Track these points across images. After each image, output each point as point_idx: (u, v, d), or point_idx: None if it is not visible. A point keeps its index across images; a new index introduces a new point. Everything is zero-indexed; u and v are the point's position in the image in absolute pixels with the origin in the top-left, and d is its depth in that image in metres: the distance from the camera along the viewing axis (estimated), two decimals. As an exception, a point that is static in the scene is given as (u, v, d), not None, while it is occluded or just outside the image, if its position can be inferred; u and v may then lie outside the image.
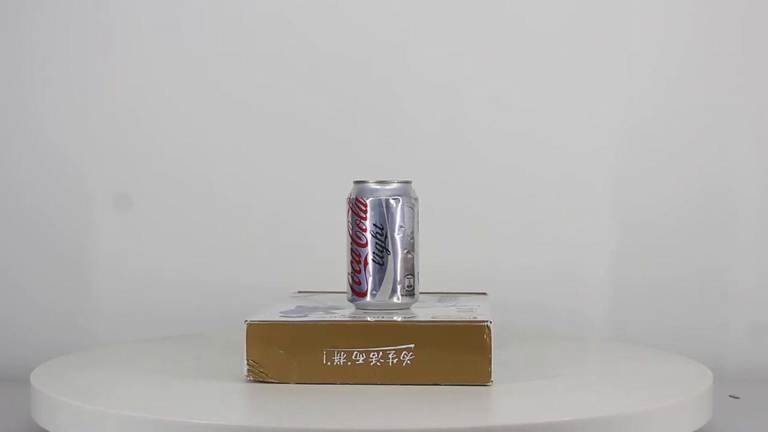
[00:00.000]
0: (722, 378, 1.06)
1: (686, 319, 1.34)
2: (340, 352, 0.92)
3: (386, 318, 0.95)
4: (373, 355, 0.92)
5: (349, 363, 0.92)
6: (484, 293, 1.14)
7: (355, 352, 0.92)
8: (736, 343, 1.33)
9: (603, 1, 1.37)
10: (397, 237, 0.99)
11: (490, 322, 0.91)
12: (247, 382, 0.94)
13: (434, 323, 0.92)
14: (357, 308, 1.00)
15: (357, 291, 1.00)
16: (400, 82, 1.37)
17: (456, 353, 0.91)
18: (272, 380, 0.93)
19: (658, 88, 1.36)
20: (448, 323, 0.92)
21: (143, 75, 1.37)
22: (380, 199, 0.99)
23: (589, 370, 1.03)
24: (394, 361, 0.92)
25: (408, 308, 1.00)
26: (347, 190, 1.02)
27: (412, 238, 1.00)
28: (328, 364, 0.92)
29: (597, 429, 0.82)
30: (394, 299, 0.99)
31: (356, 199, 1.00)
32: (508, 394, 0.90)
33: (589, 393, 0.92)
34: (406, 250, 0.99)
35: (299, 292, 1.17)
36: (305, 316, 0.96)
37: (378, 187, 1.00)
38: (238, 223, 1.37)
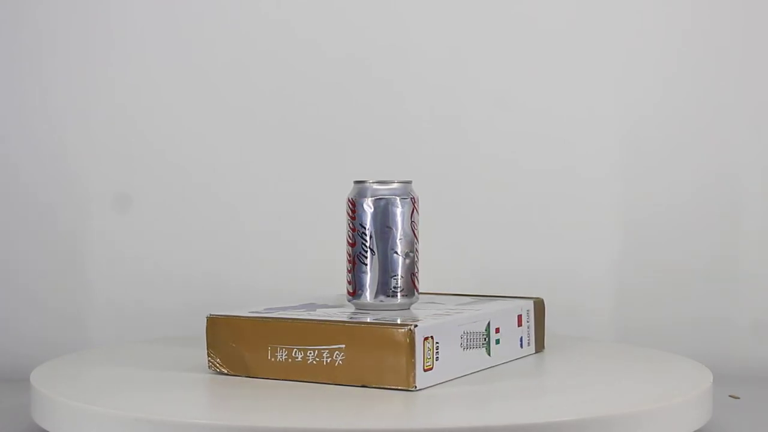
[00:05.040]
0: (722, 378, 1.06)
1: (687, 318, 1.34)
2: (282, 349, 0.94)
3: (333, 318, 0.95)
4: (310, 353, 0.93)
5: (290, 360, 0.93)
6: (534, 298, 1.10)
7: (295, 350, 0.93)
8: (737, 343, 1.33)
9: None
10: (384, 237, 0.98)
11: (415, 326, 0.89)
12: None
13: (359, 324, 0.92)
14: (356, 308, 1.00)
15: (348, 290, 1.00)
16: (401, 82, 1.37)
17: (381, 356, 0.90)
18: (228, 373, 0.95)
19: (660, 86, 1.36)
20: (372, 325, 0.91)
21: (142, 76, 1.37)
22: (370, 199, 0.98)
23: (589, 369, 1.03)
24: (328, 360, 0.92)
25: (407, 308, 1.00)
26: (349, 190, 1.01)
27: (403, 238, 0.98)
28: (272, 360, 0.94)
29: (597, 429, 0.82)
30: (380, 299, 0.98)
31: (348, 199, 1.00)
32: (435, 399, 0.87)
33: (589, 393, 0.91)
34: (394, 251, 0.98)
35: None
36: (270, 312, 0.97)
37: (370, 187, 0.99)
38: (238, 224, 1.37)
